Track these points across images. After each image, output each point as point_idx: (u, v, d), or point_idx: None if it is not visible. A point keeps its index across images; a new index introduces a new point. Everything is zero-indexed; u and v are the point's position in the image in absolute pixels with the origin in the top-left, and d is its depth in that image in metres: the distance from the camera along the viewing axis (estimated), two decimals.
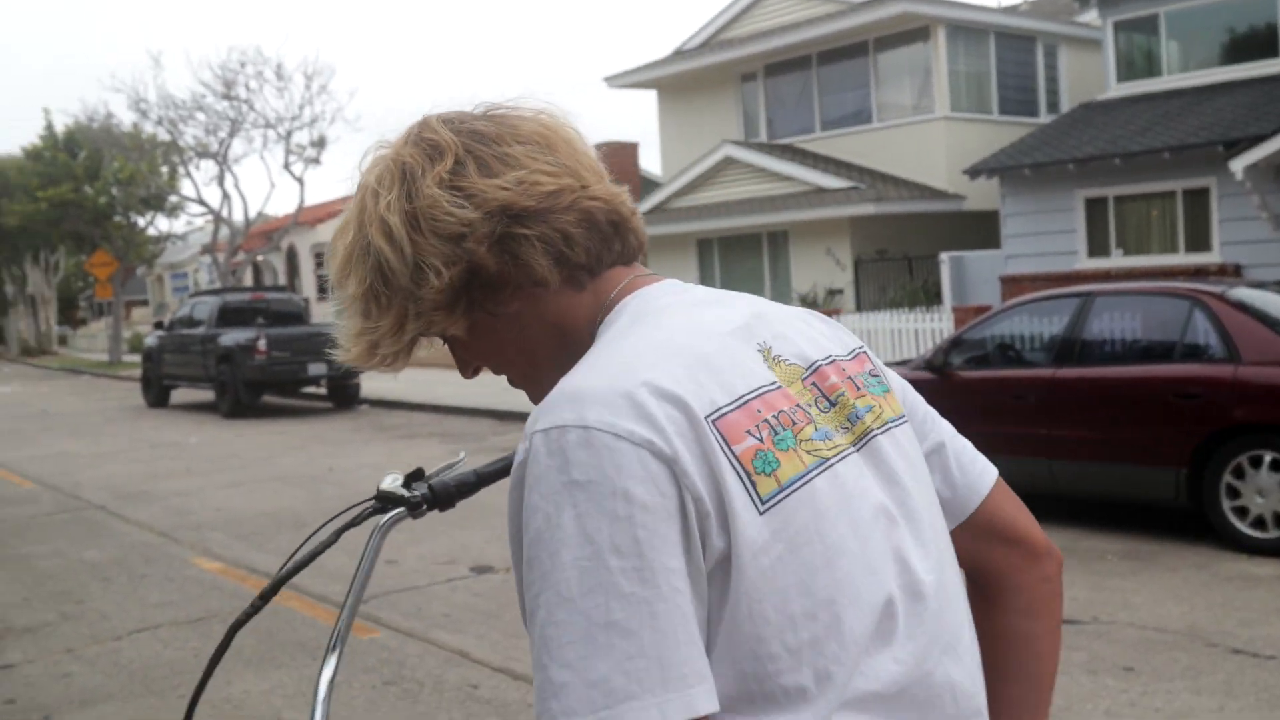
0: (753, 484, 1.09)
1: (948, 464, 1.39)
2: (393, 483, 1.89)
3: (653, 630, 1.01)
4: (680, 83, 25.85)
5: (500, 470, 2.04)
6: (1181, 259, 16.58)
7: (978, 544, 1.41)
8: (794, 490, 1.11)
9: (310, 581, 7.26)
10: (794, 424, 1.16)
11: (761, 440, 1.12)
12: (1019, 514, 1.43)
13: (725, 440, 1.09)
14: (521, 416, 16.62)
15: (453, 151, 1.24)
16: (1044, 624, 1.44)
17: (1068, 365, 8.31)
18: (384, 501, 1.88)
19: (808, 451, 1.15)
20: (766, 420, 1.13)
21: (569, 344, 1.28)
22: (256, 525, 9.67)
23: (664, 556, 1.03)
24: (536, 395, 1.30)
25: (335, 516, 1.85)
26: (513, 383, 1.37)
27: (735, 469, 1.08)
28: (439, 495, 1.94)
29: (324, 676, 1.75)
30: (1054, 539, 6.07)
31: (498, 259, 1.22)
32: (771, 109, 24.41)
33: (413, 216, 1.23)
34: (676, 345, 1.16)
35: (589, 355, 1.19)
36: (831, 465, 1.16)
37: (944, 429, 1.42)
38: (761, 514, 1.08)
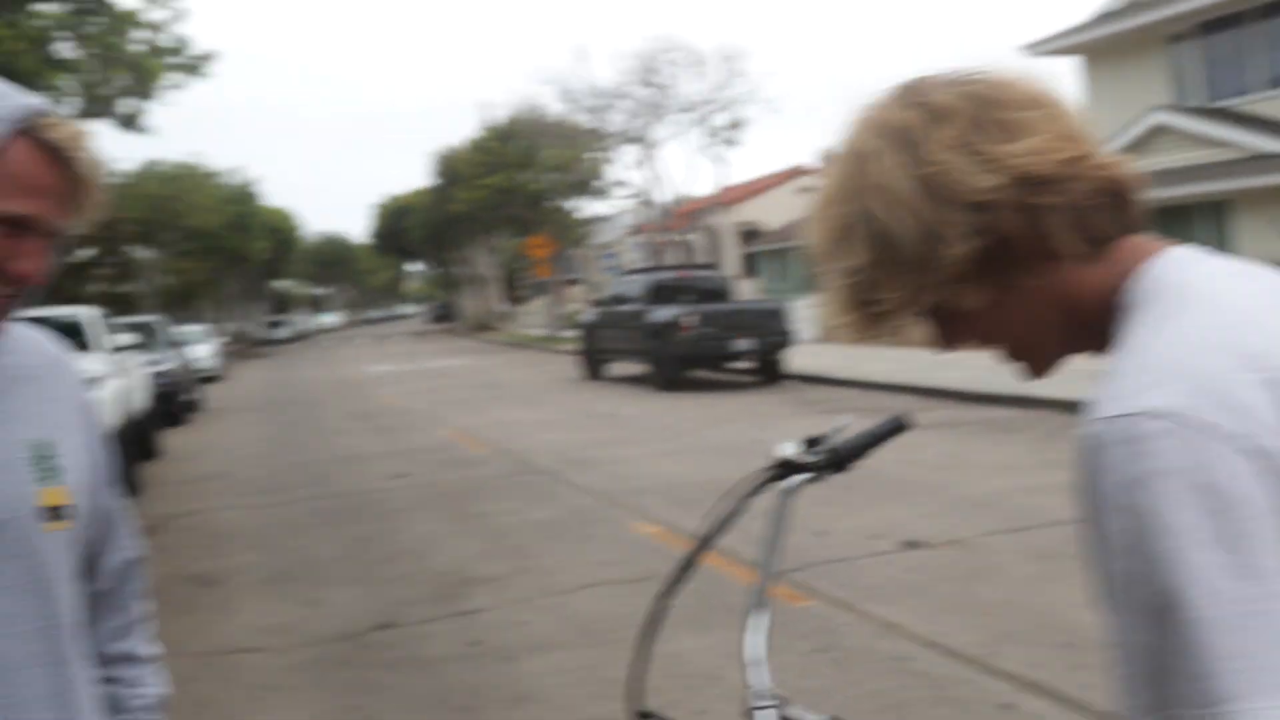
0: None
1: None
2: (790, 449, 1.96)
3: (1270, 629, 0.95)
4: (1104, 47, 24.49)
5: (889, 431, 2.09)
6: None
7: None
8: None
9: (745, 547, 7.47)
10: None
11: None
12: None
13: None
14: (948, 394, 16.37)
15: (961, 115, 1.17)
16: None
17: None
18: (784, 468, 1.95)
19: None
20: None
21: (1077, 318, 1.21)
22: (691, 492, 10.04)
23: (1262, 556, 0.96)
24: (1035, 369, 1.27)
25: (737, 485, 1.91)
26: (1009, 357, 1.28)
27: None
28: (835, 458, 1.97)
29: (752, 638, 1.79)
30: None
31: (1020, 230, 1.15)
32: (1206, 70, 22.69)
33: (924, 182, 1.15)
34: (1247, 320, 1.07)
35: (1146, 334, 1.11)
36: None
37: None
38: None
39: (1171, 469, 0.98)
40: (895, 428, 2.18)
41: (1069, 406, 13.91)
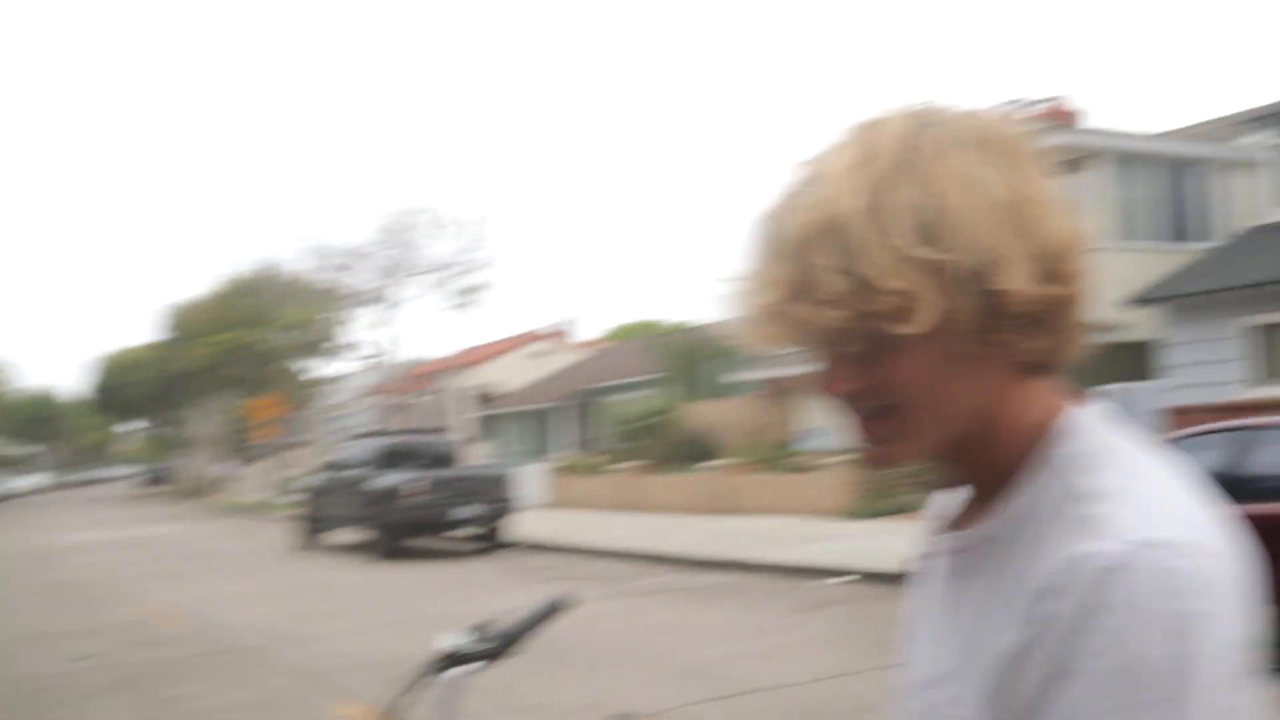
0: None
1: None
2: (452, 641, 2.03)
3: None
4: None
5: (546, 613, 2.22)
6: None
7: None
8: None
9: None
10: None
11: None
12: None
13: None
14: (671, 560, 16.39)
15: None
16: None
17: (1233, 501, 7.82)
18: (447, 661, 2.02)
19: None
20: None
21: (981, 428, 1.09)
22: (400, 668, 9.55)
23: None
24: (900, 452, 1.09)
25: (406, 682, 1.90)
26: (878, 423, 1.08)
27: None
28: (495, 648, 2.03)
29: None
30: None
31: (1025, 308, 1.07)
32: None
33: (1015, 204, 1.06)
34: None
35: (1118, 481, 1.03)
36: None
37: None
38: None
39: (1211, 612, 0.95)
40: (552, 610, 2.23)
41: (788, 571, 14.15)
